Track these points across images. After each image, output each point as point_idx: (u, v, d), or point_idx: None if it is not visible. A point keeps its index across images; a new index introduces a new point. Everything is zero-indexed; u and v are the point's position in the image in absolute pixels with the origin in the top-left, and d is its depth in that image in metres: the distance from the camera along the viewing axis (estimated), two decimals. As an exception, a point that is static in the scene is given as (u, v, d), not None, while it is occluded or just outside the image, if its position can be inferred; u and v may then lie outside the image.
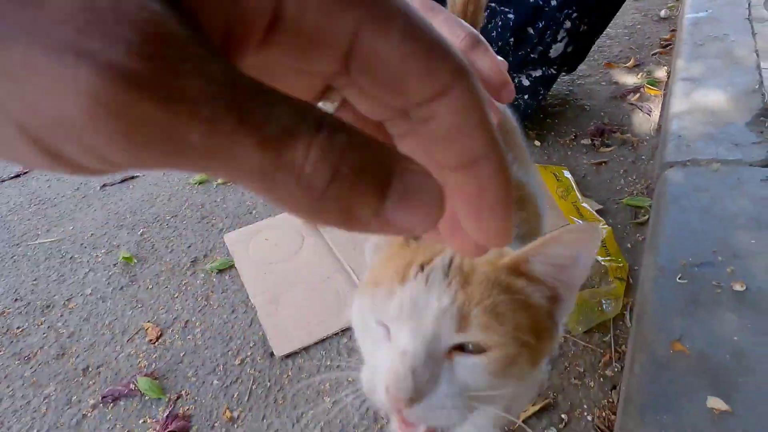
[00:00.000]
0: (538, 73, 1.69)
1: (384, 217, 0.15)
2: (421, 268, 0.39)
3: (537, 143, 1.86)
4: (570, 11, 1.58)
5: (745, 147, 1.45)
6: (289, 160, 0.14)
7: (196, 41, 0.13)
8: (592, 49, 2.46)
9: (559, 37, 1.62)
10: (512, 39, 1.62)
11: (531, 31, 1.60)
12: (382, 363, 0.38)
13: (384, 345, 0.39)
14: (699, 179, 1.39)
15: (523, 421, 1.04)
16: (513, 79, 1.71)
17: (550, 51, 1.64)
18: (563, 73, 1.89)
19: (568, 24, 1.61)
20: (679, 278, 1.13)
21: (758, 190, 1.30)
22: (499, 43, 1.63)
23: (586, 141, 1.85)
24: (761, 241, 1.16)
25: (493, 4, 1.60)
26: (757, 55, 1.89)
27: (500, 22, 1.62)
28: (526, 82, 1.74)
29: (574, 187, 1.59)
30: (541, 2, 1.57)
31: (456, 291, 0.37)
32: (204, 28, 0.14)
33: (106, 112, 0.12)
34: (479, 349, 0.38)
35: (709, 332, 1.00)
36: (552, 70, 1.71)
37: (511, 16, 1.60)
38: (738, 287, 1.07)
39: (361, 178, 0.15)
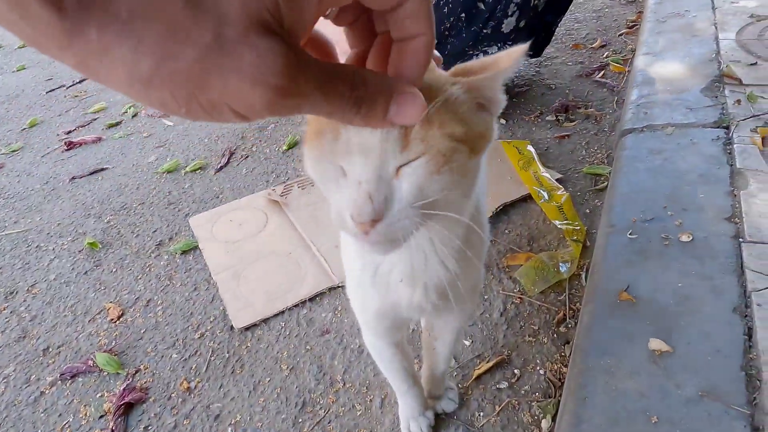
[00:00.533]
0: (494, 50, 1.71)
1: (389, 119, 0.33)
2: None
3: (503, 121, 1.87)
4: None
5: (699, 110, 1.47)
6: (345, 98, 0.30)
7: (299, 56, 0.27)
8: (560, 32, 2.50)
9: (509, 11, 1.63)
10: (463, 15, 1.63)
11: (482, 6, 1.62)
12: (344, 197, 0.42)
13: (343, 182, 0.43)
14: (654, 142, 1.40)
15: (476, 377, 1.04)
16: (472, 56, 1.73)
17: (503, 26, 1.66)
18: (528, 57, 1.91)
19: None
20: (629, 234, 1.14)
21: (708, 149, 1.31)
22: (451, 19, 1.64)
23: (551, 117, 1.87)
24: (708, 194, 1.17)
25: None
26: (716, 27, 1.92)
27: None
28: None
29: (536, 158, 1.61)
30: None
31: None
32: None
33: (270, 104, 0.27)
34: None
35: (655, 281, 1.02)
36: (507, 45, 1.72)
37: None
38: (685, 238, 1.08)
39: (376, 99, 0.32)
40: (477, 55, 1.71)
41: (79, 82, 2.76)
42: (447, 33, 1.68)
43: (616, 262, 1.09)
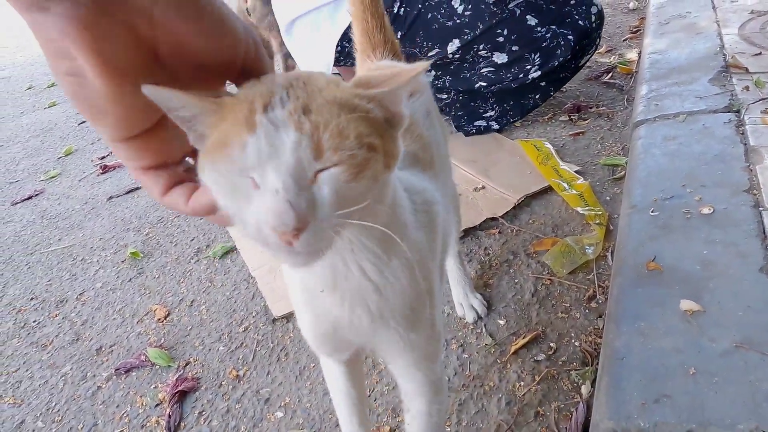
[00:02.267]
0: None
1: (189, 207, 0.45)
2: (264, 110, 0.40)
3: (517, 123, 1.95)
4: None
5: (709, 98, 1.53)
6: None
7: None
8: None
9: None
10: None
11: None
12: (260, 208, 0.40)
13: (255, 194, 0.40)
14: (667, 130, 1.46)
15: (514, 352, 1.09)
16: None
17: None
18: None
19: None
20: (651, 212, 1.19)
21: (721, 131, 1.37)
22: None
23: (564, 118, 1.94)
24: (725, 171, 1.23)
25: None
26: (718, 25, 2.00)
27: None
28: (542, 83, 1.83)
29: (554, 153, 1.67)
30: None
31: (302, 122, 0.40)
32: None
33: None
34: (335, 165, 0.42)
35: (680, 251, 1.06)
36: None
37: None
38: (706, 210, 1.13)
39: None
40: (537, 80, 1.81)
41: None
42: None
43: (640, 238, 1.14)
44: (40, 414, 1.17)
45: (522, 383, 1.02)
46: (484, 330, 1.15)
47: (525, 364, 1.06)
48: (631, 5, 2.89)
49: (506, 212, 1.48)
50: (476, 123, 1.92)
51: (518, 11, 1.67)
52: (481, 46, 1.72)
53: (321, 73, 0.46)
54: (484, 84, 1.81)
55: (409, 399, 0.75)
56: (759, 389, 0.77)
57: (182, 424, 1.08)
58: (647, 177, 1.31)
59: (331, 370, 0.79)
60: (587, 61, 1.89)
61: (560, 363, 1.04)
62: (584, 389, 0.98)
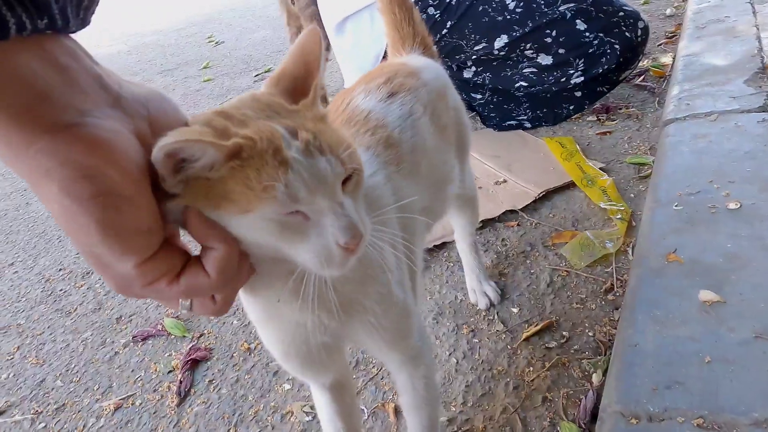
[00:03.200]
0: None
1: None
2: (288, 147, 0.42)
3: (544, 124, 1.93)
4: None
5: (743, 98, 1.48)
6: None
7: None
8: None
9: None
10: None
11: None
12: (323, 234, 0.42)
13: (310, 225, 0.43)
14: (697, 128, 1.43)
15: (525, 338, 1.07)
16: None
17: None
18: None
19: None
20: (675, 206, 1.16)
21: (754, 130, 1.33)
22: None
23: (592, 118, 1.91)
24: (755, 168, 1.19)
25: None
26: (758, 28, 1.94)
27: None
28: (578, 94, 1.83)
29: (579, 150, 1.65)
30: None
31: (321, 146, 0.43)
32: None
33: None
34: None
35: (704, 243, 1.03)
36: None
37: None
38: (732, 206, 1.10)
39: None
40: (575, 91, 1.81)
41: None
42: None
43: (662, 230, 1.11)
44: (60, 374, 1.21)
45: (531, 369, 1.00)
46: (496, 317, 1.14)
47: (536, 350, 1.04)
48: (668, 11, 2.83)
49: (527, 206, 1.47)
50: (506, 123, 1.91)
51: (569, 14, 1.67)
52: (527, 45, 1.72)
53: (250, 95, 0.47)
54: (525, 84, 1.80)
55: (394, 377, 0.74)
56: (777, 379, 0.74)
57: (192, 391, 1.10)
58: (674, 173, 1.28)
59: (316, 398, 0.77)
60: (627, 75, 1.86)
61: (572, 351, 1.02)
62: (595, 378, 0.95)
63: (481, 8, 1.69)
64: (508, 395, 0.96)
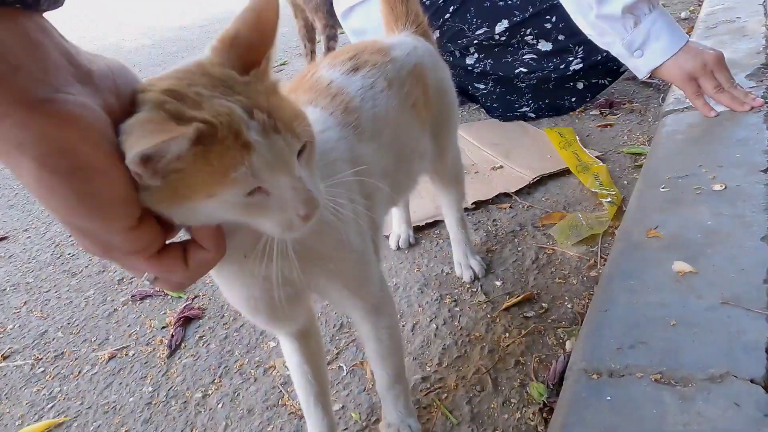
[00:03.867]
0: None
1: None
2: (245, 129, 0.43)
3: (547, 114, 1.95)
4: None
5: (742, 91, 1.48)
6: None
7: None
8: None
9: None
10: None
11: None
12: (284, 208, 0.45)
13: (271, 200, 0.45)
14: (694, 118, 1.43)
15: (505, 308, 1.09)
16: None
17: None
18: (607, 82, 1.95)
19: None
20: (662, 188, 1.17)
21: (750, 119, 1.33)
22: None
23: (595, 112, 1.92)
24: (745, 154, 1.19)
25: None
26: (766, 28, 1.94)
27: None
28: (579, 86, 1.86)
29: (577, 140, 1.66)
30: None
31: (277, 125, 0.44)
32: None
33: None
34: None
35: (684, 220, 1.04)
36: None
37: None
38: (717, 187, 1.11)
39: None
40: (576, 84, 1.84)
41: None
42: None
43: (646, 210, 1.12)
44: (61, 327, 1.27)
45: (508, 335, 1.02)
46: (479, 289, 1.17)
47: (514, 320, 1.06)
48: (683, 14, 2.83)
49: (521, 190, 1.49)
50: (510, 114, 1.93)
51: None
52: (528, 31, 1.75)
53: (198, 66, 0.46)
54: (525, 71, 1.82)
55: (357, 328, 0.76)
56: (737, 339, 0.75)
57: (183, 345, 1.15)
58: (665, 158, 1.29)
59: (284, 347, 0.80)
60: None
61: (549, 321, 1.04)
62: (569, 344, 0.97)
63: None
64: (483, 358, 0.98)
